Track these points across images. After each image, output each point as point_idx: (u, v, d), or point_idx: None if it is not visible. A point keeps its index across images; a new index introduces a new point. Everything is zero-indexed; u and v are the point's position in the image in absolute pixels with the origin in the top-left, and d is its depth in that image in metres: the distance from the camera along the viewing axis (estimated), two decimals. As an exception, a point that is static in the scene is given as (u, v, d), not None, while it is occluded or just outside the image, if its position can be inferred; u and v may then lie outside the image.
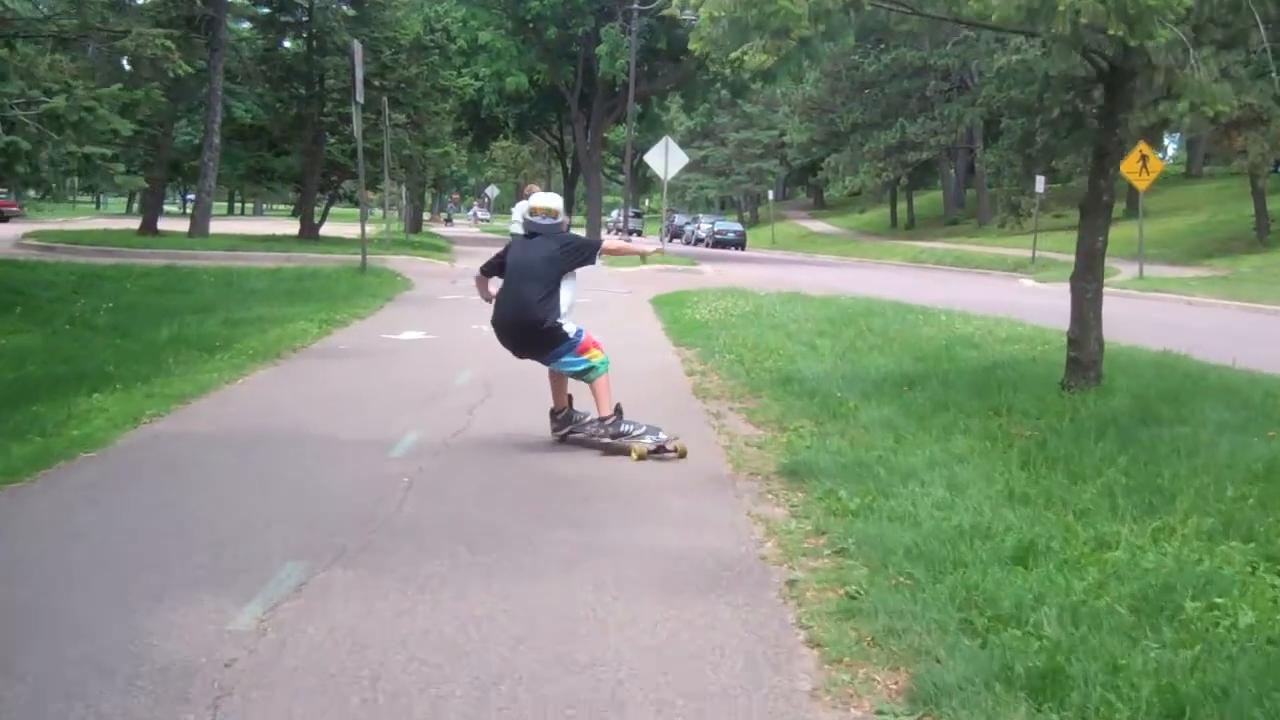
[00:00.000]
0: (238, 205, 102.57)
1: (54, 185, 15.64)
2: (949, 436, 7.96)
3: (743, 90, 57.80)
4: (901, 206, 76.35)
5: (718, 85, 54.85)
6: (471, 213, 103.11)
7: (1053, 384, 9.64)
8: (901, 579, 5.01)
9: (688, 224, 74.80)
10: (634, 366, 12.20)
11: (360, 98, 23.58)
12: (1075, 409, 8.60)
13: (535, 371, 8.79)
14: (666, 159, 35.43)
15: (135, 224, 38.19)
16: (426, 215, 71.63)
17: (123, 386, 9.55)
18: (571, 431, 8.50)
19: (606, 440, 8.25)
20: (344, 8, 36.40)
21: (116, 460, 7.42)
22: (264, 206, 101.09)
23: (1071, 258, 9.90)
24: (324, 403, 9.75)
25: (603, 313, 17.97)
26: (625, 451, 8.03)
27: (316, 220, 37.78)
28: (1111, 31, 6.66)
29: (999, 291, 27.79)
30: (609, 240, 9.31)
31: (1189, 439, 7.49)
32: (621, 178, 62.37)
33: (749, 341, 13.69)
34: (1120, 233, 26.08)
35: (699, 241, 66.79)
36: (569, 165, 64.98)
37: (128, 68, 29.73)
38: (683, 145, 44.64)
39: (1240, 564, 5.09)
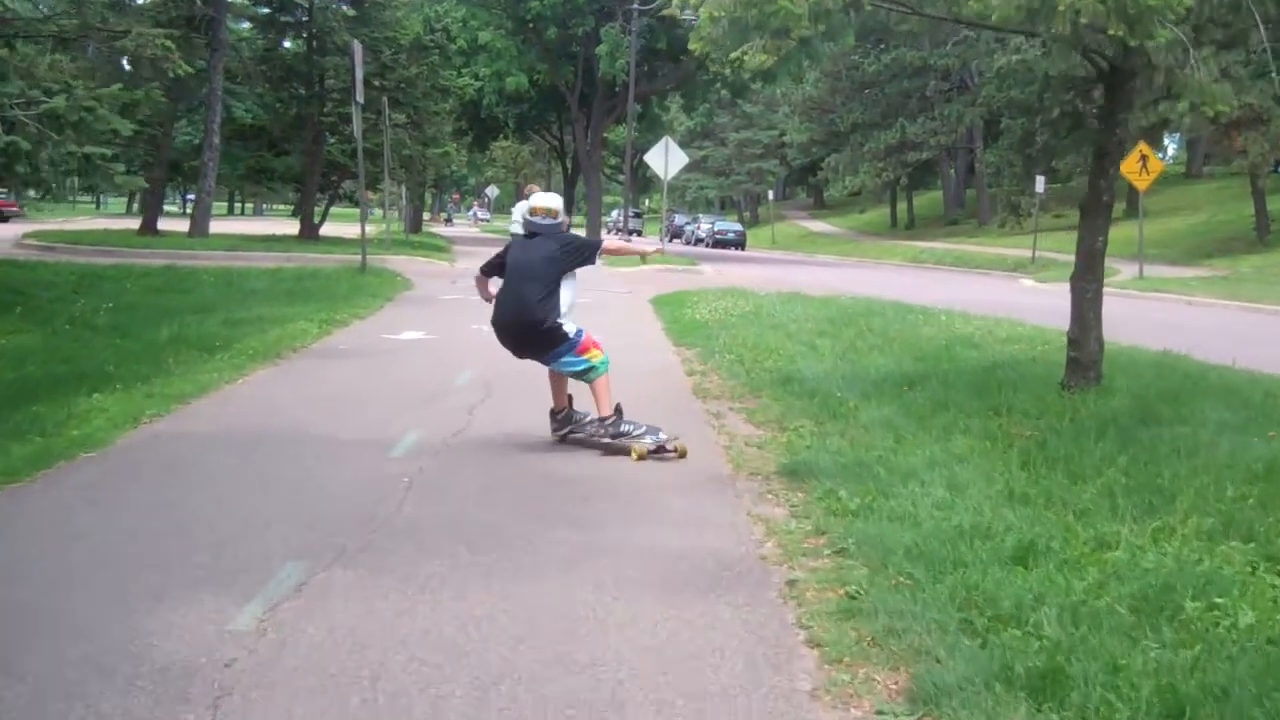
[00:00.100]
0: (238, 205, 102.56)
1: (54, 185, 15.63)
2: (949, 436, 7.96)
3: (743, 90, 57.80)
4: (901, 206, 76.35)
5: (718, 85, 54.84)
6: (471, 213, 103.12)
7: (1053, 384, 9.64)
8: (901, 579, 5.01)
9: (688, 224, 74.78)
10: (634, 366, 12.19)
11: (360, 98, 23.58)
12: (1075, 409, 8.60)
13: (535, 371, 8.79)
14: (666, 159, 35.43)
15: (135, 224, 38.19)
16: (427, 215, 71.63)
17: (123, 386, 9.55)
18: (571, 431, 8.50)
19: (607, 440, 8.25)
20: (344, 8, 36.40)
21: (116, 460, 7.42)
22: (264, 206, 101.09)
23: (1071, 258, 9.90)
24: (324, 403, 9.75)
25: (603, 313, 17.96)
26: (625, 451, 8.03)
27: (316, 220, 37.78)
28: (1111, 31, 6.66)
29: (999, 291, 27.79)
30: (609, 240, 9.32)
31: (1189, 439, 7.49)
32: (621, 178, 62.35)
33: (749, 341, 13.69)
34: (1120, 233, 26.06)
35: (699, 241, 66.77)
36: (569, 165, 64.97)
37: (128, 68, 29.80)
38: (683, 145, 44.65)
39: (1240, 564, 5.09)
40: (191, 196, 46.04)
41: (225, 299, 16.90)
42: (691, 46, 10.41)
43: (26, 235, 33.26)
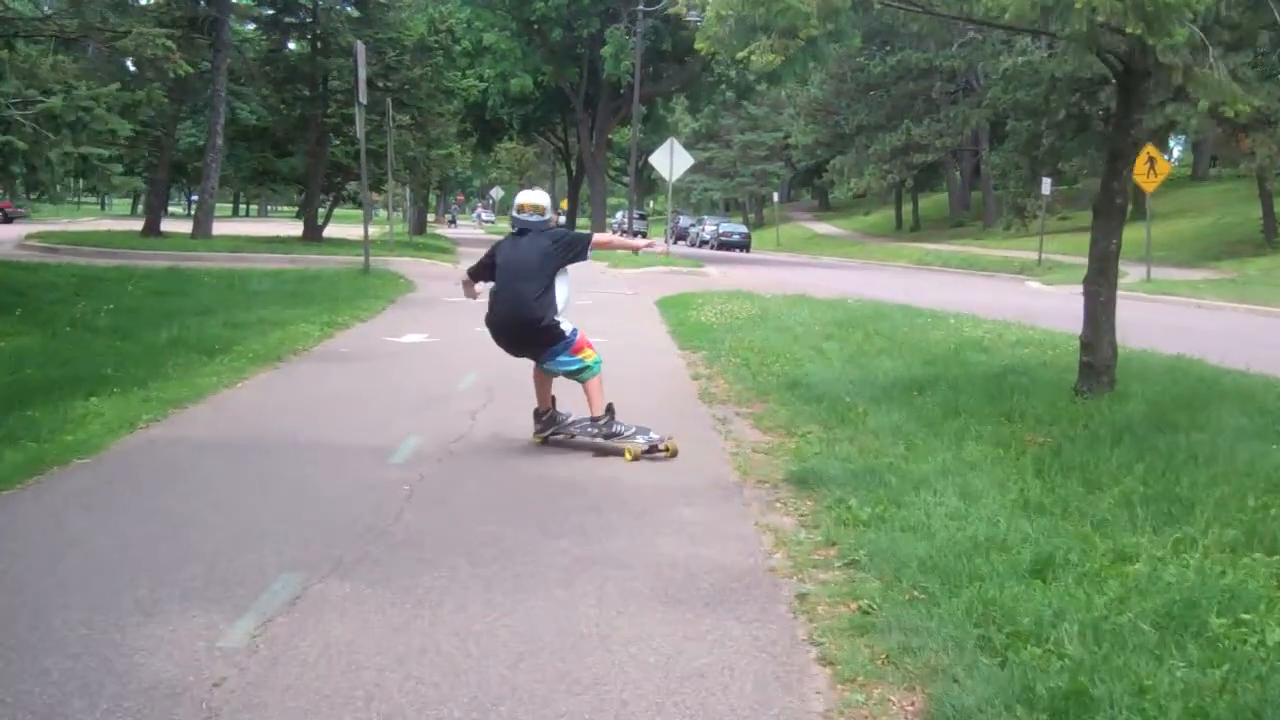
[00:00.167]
0: (243, 207, 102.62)
1: (50, 186, 15.48)
2: (960, 443, 7.79)
3: (748, 92, 57.80)
4: (907, 209, 76.18)
5: (723, 87, 54.84)
6: (476, 214, 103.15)
7: (1065, 389, 9.48)
8: (915, 593, 4.85)
9: (692, 226, 74.70)
10: (639, 370, 12.08)
11: (363, 98, 23.45)
12: (1089, 415, 8.44)
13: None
14: (671, 161, 35.34)
15: (140, 225, 38.07)
16: (431, 217, 71.56)
17: (120, 390, 9.42)
18: (555, 432, 8.44)
19: (599, 440, 8.19)
20: (348, 9, 36.26)
21: (111, 466, 7.27)
22: (269, 208, 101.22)
23: (1078, 260, 9.77)
24: (324, 407, 9.61)
25: (608, 315, 17.85)
26: (619, 453, 7.97)
27: (320, 222, 37.66)
28: (1130, 29, 6.50)
29: (1006, 294, 27.59)
30: (599, 234, 9.22)
31: (1206, 446, 7.32)
32: (626, 179, 62.23)
33: (755, 345, 13.53)
34: (1127, 235, 25.70)
35: (704, 243, 66.71)
36: (573, 167, 65.00)
37: (133, 69, 29.69)
38: (688, 147, 44.49)
39: (1265, 577, 4.93)
40: (196, 198, 45.98)
41: (227, 301, 16.76)
42: (698, 46, 10.29)
43: (29, 236, 33.17)
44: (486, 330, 8.33)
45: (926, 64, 57.14)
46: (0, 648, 4.23)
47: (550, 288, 8.08)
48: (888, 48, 62.13)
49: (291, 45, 38.28)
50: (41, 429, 7.89)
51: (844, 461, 7.38)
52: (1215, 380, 10.36)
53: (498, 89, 49.72)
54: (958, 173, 72.48)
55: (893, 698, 3.97)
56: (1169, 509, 5.93)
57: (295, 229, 41.32)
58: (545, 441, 8.39)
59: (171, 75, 20.17)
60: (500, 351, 8.51)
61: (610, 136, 59.86)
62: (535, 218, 8.23)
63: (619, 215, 75.45)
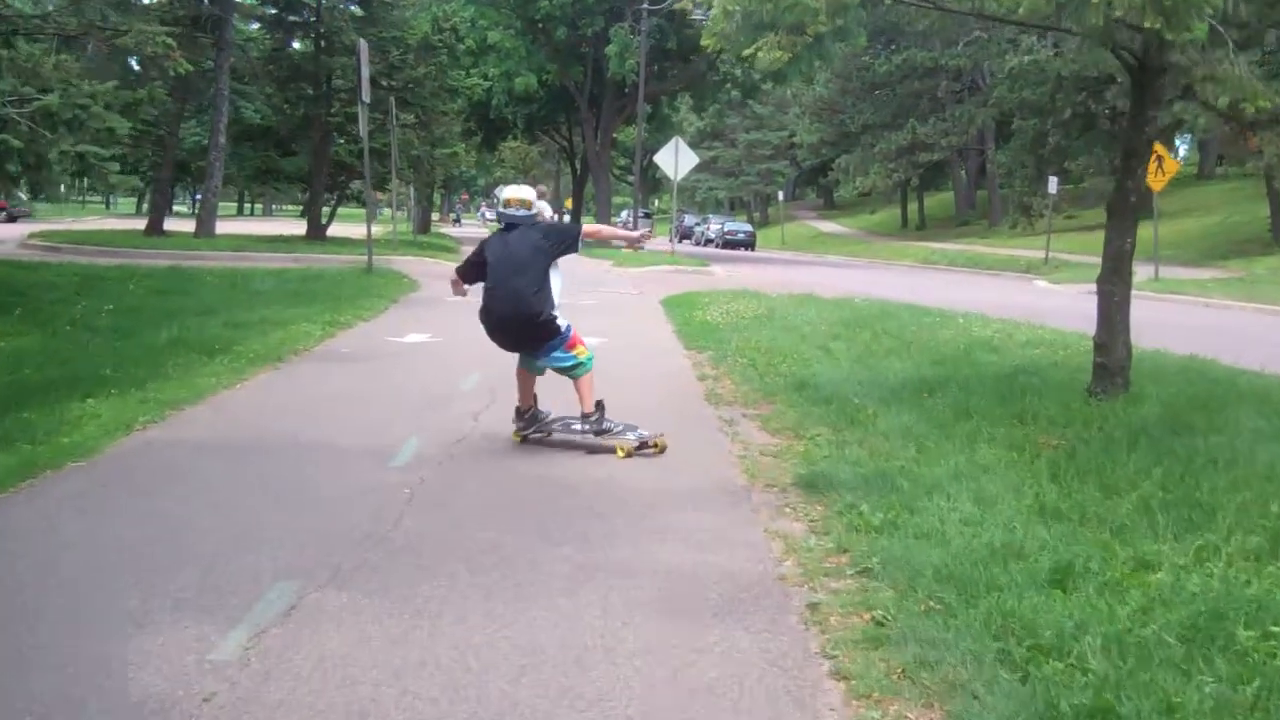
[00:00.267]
0: (247, 205, 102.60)
1: (49, 185, 15.35)
2: (973, 446, 7.62)
3: (753, 91, 57.60)
4: (912, 207, 76.03)
5: (728, 86, 54.71)
6: (480, 213, 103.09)
7: (1078, 390, 9.32)
8: (931, 603, 4.68)
9: (697, 224, 74.59)
10: (645, 371, 11.94)
11: (366, 97, 23.32)
12: (1104, 417, 8.27)
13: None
14: (676, 159, 35.20)
15: (144, 224, 37.96)
16: (436, 216, 71.45)
17: (118, 391, 9.28)
18: (535, 431, 8.39)
19: (589, 438, 8.15)
20: (352, 8, 36.12)
21: (106, 469, 7.12)
22: (273, 206, 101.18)
23: (1085, 258, 9.65)
24: (324, 409, 9.46)
25: (612, 314, 17.72)
26: (616, 453, 7.88)
27: (324, 221, 37.53)
28: (1148, 24, 6.33)
29: (1013, 293, 27.41)
30: (589, 225, 9.13)
31: (1225, 449, 7.15)
32: (631, 178, 62.20)
33: (762, 345, 13.36)
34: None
35: (709, 242, 66.58)
36: (578, 166, 64.86)
37: (137, 68, 29.60)
38: (692, 146, 44.40)
39: (1292, 587, 4.76)
40: (200, 197, 45.90)
41: (228, 300, 16.63)
42: (704, 43, 10.15)
43: (31, 235, 33.09)
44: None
45: (932, 63, 57.01)
46: (-17, 661, 4.09)
47: (546, 281, 8.04)
48: (893, 46, 62.06)
49: (295, 44, 38.16)
50: (37, 431, 7.75)
51: (854, 465, 7.22)
52: (1231, 381, 10.19)
53: (502, 88, 49.59)
54: (963, 171, 72.29)
55: (910, 715, 3.81)
56: (1189, 515, 5.76)
57: (299, 228, 41.16)
58: (524, 440, 8.34)
59: (172, 73, 20.06)
60: (503, 352, 8.43)
61: (615, 135, 59.73)
62: (522, 212, 8.16)
63: (624, 214, 75.31)
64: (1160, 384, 9.64)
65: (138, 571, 5.11)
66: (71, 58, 17.73)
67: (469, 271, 8.45)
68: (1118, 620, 4.38)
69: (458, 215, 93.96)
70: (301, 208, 54.17)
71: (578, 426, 8.28)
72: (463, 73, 44.38)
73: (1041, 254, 39.51)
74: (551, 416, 8.46)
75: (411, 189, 45.17)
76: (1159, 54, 8.25)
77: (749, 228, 69.74)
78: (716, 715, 3.83)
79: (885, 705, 3.87)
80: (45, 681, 3.91)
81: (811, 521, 6.21)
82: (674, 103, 63.54)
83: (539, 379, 8.46)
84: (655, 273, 30.33)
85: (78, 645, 4.24)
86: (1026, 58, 37.94)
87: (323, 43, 35.28)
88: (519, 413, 8.43)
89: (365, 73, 23.04)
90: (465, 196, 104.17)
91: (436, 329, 15.13)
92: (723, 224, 70.49)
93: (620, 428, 8.14)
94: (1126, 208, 9.02)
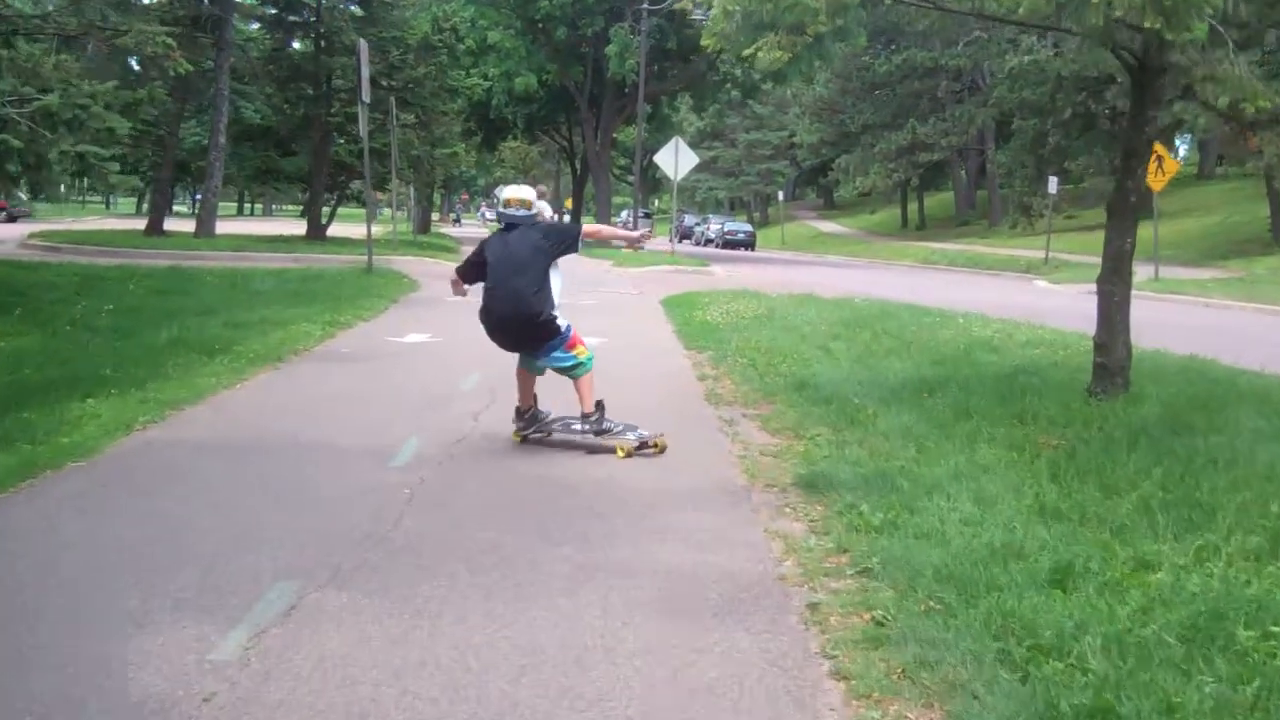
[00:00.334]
0: (248, 205, 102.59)
1: (48, 185, 15.34)
2: (973, 446, 7.61)
3: (753, 91, 57.60)
4: (912, 207, 76.01)
5: (728, 86, 54.72)
6: (480, 213, 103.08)
7: (1078, 390, 9.31)
8: (931, 603, 4.68)
9: (697, 224, 74.57)
10: (645, 371, 11.93)
11: (366, 97, 23.32)
12: (1104, 417, 8.26)
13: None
14: (676, 159, 35.20)
15: (144, 224, 37.95)
16: (436, 216, 71.44)
17: (118, 391, 9.28)
18: (535, 431, 8.40)
19: (590, 438, 8.16)
20: (352, 8, 36.10)
21: (105, 469, 7.12)
22: (274, 206, 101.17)
23: (1085, 258, 9.66)
24: (324, 409, 9.45)
25: (613, 314, 17.72)
26: (615, 452, 7.89)
27: (324, 221, 37.52)
28: (1148, 24, 6.32)
29: (1013, 293, 27.40)
30: (588, 225, 9.14)
31: (1225, 449, 7.14)
32: (631, 178, 62.20)
33: (762, 345, 13.35)
34: (1136, 234, 25.65)
35: (709, 242, 66.57)
36: (578, 166, 64.85)
37: (137, 68, 29.59)
38: (692, 146, 44.40)
39: (1292, 587, 4.76)
40: (200, 197, 45.94)
41: (228, 301, 16.62)
42: (704, 43, 10.14)
43: (32, 235, 33.07)
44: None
45: (932, 63, 57.01)
46: (-17, 661, 4.09)
47: (546, 281, 8.06)
48: (893, 46, 62.05)
49: (295, 44, 38.14)
50: (37, 431, 7.75)
51: (854, 465, 7.21)
52: (1231, 381, 10.18)
53: (502, 88, 49.58)
54: (963, 171, 72.28)
55: (910, 715, 3.81)
56: (1189, 515, 5.76)
57: (299, 228, 41.15)
58: (524, 440, 8.35)
59: (172, 73, 20.05)
60: (503, 352, 8.44)
61: (615, 135, 59.72)
62: (522, 212, 8.17)
63: (624, 214, 75.29)
64: (1160, 384, 9.63)
65: (137, 571, 5.11)
66: (71, 58, 17.73)
67: (469, 271, 8.46)
68: (1118, 620, 4.38)
69: (458, 215, 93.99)
70: (302, 208, 54.23)
71: (578, 426, 8.28)
72: (463, 73, 44.37)
73: (1041, 254, 39.50)
74: (551, 416, 8.47)
75: (411, 189, 45.18)
76: (1159, 54, 8.24)
77: (749, 228, 69.74)
78: (716, 715, 3.83)
79: (885, 705, 3.87)
80: (45, 681, 3.91)
81: (811, 521, 6.21)
82: (674, 103, 63.54)
83: (539, 379, 8.46)
84: (655, 273, 30.32)
85: (78, 645, 4.24)
86: (1026, 58, 37.93)
87: (323, 43, 35.28)
88: (519, 413, 8.43)
89: (365, 73, 23.04)
90: (465, 196, 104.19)
91: (436, 329, 15.12)
92: (723, 224, 70.48)
93: (620, 428, 8.14)
94: (1127, 208, 9.01)
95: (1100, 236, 9.77)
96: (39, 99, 12.92)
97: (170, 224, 37.36)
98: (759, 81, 52.28)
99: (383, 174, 35.04)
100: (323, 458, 7.60)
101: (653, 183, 76.58)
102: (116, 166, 15.71)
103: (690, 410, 9.81)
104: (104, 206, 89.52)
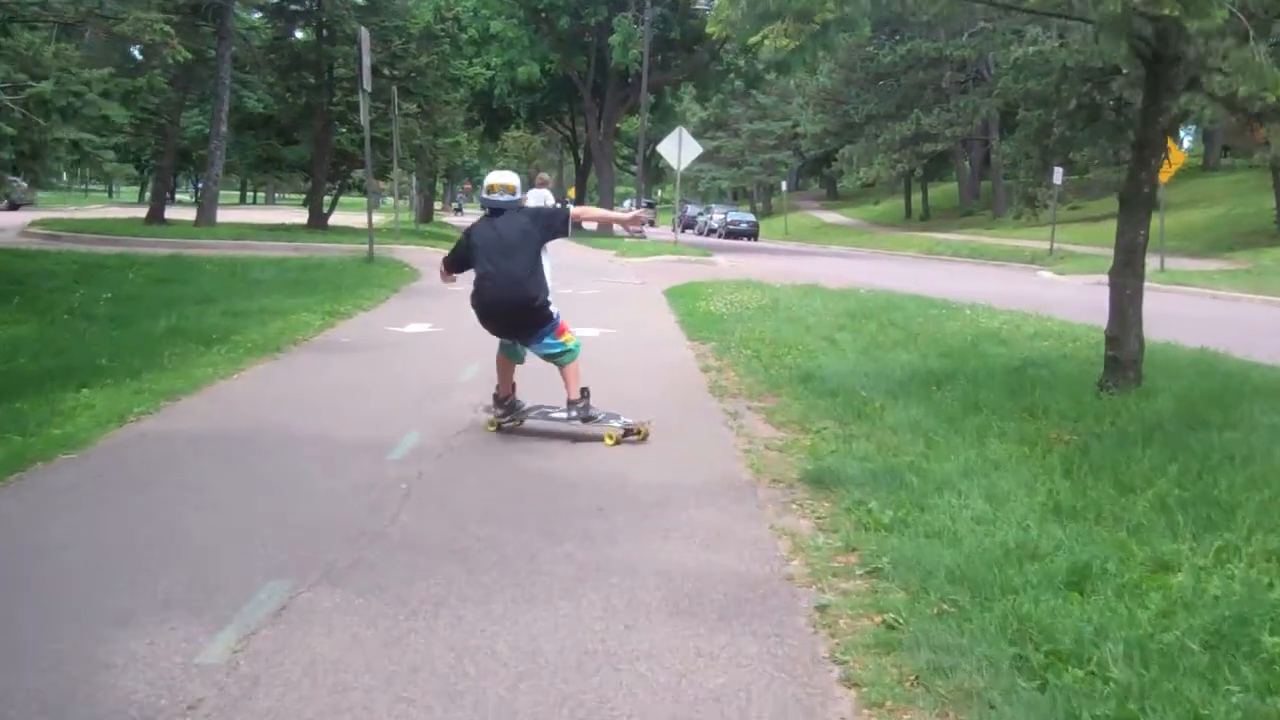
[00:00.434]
0: (250, 194, 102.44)
1: (44, 173, 15.20)
2: (983, 440, 7.45)
3: (757, 81, 57.45)
4: (916, 198, 75.76)
5: (731, 75, 54.58)
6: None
7: (1089, 384, 9.15)
8: (944, 606, 4.52)
9: (700, 214, 74.39)
10: (647, 361, 11.79)
11: (367, 86, 23.13)
12: (1116, 411, 8.10)
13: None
14: (680, 149, 35.01)
15: (145, 213, 37.80)
16: (438, 205, 71.29)
17: (113, 381, 9.14)
18: (509, 419, 8.36)
19: (578, 425, 8.13)
20: (354, -4, 35.96)
21: (97, 462, 6.96)
22: (276, 195, 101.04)
23: (1089, 249, 9.51)
24: (322, 399, 9.31)
25: (615, 304, 17.57)
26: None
27: (325, 210, 37.37)
28: (1167, 11, 6.16)
29: (1018, 284, 27.24)
30: (577, 208, 9.04)
31: (1241, 445, 6.97)
32: (634, 168, 62.06)
33: (766, 336, 13.19)
34: (1143, 225, 25.43)
35: (711, 232, 66.41)
36: (581, 155, 64.67)
37: (139, 56, 29.43)
38: (696, 136, 44.13)
39: (1316, 591, 4.60)
40: (201, 185, 45.77)
41: (228, 290, 16.47)
42: (710, 29, 10.01)
43: (32, 224, 32.88)
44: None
45: (936, 53, 56.74)
46: (-39, 664, 3.94)
47: (538, 265, 8.06)
48: (897, 37, 61.81)
49: (297, 33, 37.94)
50: (29, 422, 7.62)
51: (862, 460, 7.06)
52: (1244, 375, 10.01)
53: (505, 77, 49.44)
54: (967, 162, 72.05)
55: (925, 725, 3.65)
56: (1208, 514, 5.59)
57: (301, 217, 41.01)
58: (499, 429, 8.28)
59: (171, 61, 19.88)
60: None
61: (618, 125, 59.57)
62: (507, 197, 8.16)
63: (626, 204, 75.11)
64: (1173, 378, 9.47)
65: (125, 569, 4.96)
66: (71, 46, 17.56)
67: (455, 263, 8.46)
68: (1138, 625, 4.23)
69: (460, 205, 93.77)
70: (304, 196, 54.06)
71: (557, 415, 8.27)
72: (465, 62, 44.20)
73: (1046, 245, 39.32)
74: (527, 406, 8.44)
75: (414, 178, 45.03)
76: (1177, 43, 8.06)
77: (752, 218, 69.59)
78: (723, 724, 3.68)
79: (899, 715, 3.72)
80: (25, 687, 3.76)
81: (819, 519, 6.05)
82: (677, 93, 63.34)
83: (518, 368, 8.45)
84: (658, 263, 30.18)
85: (60, 648, 4.09)
86: (1031, 48, 37.85)
87: (324, 31, 35.09)
88: (497, 400, 8.39)
89: (367, 61, 22.86)
90: (468, 186, 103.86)
91: (437, 319, 14.95)
92: (726, 214, 70.29)
93: (603, 415, 8.12)
94: (1140, 199, 8.84)
95: (1105, 227, 9.64)
96: (32, 86, 12.75)
97: (172, 212, 37.20)
98: (763, 71, 52.18)
99: (384, 163, 34.87)
100: (319, 450, 7.44)
101: (656, 173, 76.43)
102: (112, 155, 15.56)
103: (694, 402, 9.66)
104: (107, 195, 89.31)
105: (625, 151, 71.89)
